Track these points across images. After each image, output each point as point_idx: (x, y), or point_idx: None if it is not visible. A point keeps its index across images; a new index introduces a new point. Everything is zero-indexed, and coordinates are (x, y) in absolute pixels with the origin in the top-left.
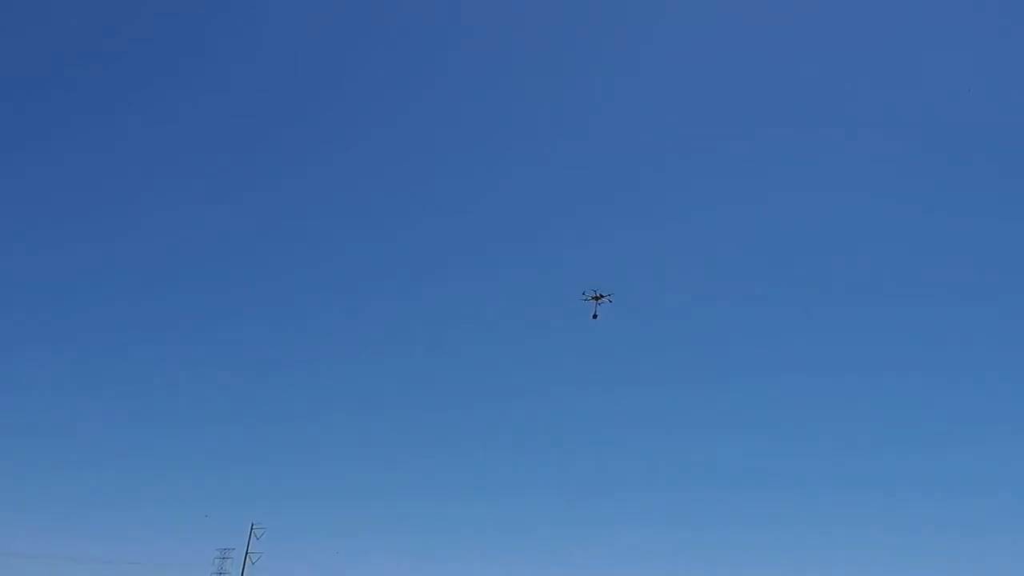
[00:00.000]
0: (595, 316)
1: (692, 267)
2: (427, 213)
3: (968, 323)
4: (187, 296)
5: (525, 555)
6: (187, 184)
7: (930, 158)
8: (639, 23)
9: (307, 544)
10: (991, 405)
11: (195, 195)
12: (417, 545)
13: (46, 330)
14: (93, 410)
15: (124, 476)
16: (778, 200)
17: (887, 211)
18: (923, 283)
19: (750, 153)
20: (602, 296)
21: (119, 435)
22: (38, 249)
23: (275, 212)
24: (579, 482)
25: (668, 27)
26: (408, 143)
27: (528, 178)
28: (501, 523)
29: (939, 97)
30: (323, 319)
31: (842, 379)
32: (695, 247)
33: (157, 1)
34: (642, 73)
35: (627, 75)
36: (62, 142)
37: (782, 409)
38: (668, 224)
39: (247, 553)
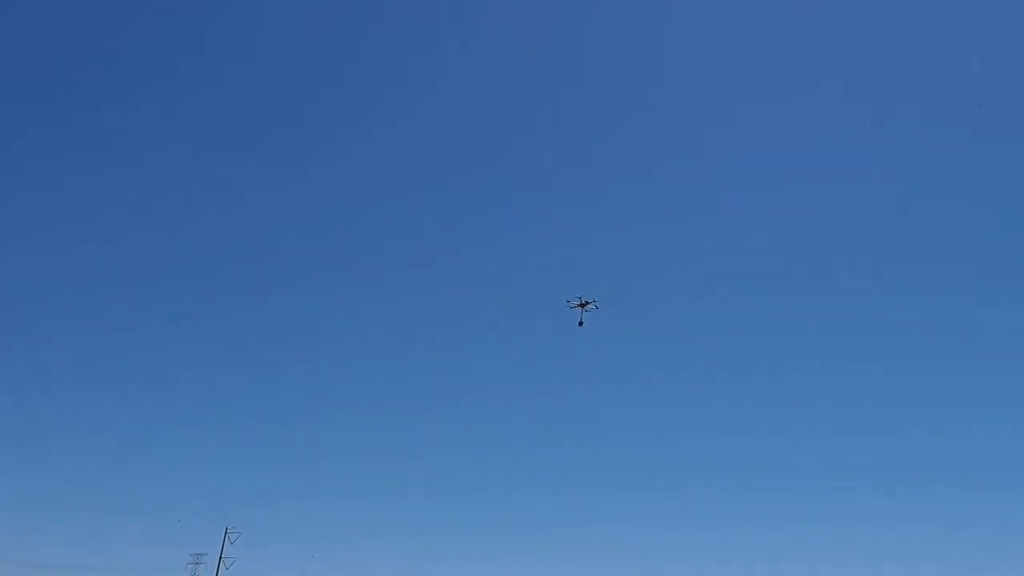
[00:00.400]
0: (581, 323)
1: (687, 266)
2: (421, 211)
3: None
4: (164, 297)
5: (520, 558)
6: (183, 183)
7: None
8: (630, 21)
9: (283, 548)
10: (995, 400)
11: (191, 195)
12: (400, 548)
13: (10, 332)
14: (59, 411)
15: (92, 478)
16: (777, 198)
17: (878, 204)
18: (923, 280)
19: (742, 150)
20: (588, 303)
21: (86, 436)
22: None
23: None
24: (573, 481)
25: (654, 26)
26: (405, 143)
27: (518, 176)
28: (491, 525)
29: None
30: (308, 319)
31: (841, 375)
32: (688, 246)
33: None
34: (636, 72)
35: (620, 75)
36: (60, 141)
37: (780, 407)
38: (662, 221)
39: (221, 558)
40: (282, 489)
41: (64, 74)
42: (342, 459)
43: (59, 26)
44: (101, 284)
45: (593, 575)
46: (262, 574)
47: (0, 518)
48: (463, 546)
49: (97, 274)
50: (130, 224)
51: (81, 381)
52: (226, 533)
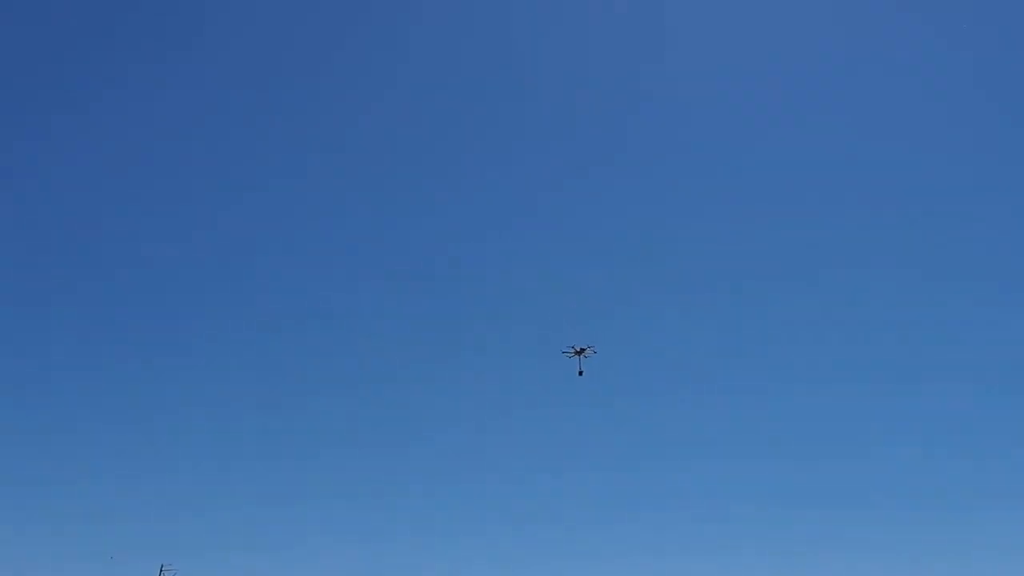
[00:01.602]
0: (581, 373)
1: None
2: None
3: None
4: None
5: None
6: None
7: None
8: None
9: None
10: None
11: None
12: None
13: None
14: None
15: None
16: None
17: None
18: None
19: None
20: (584, 349)
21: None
22: None
23: None
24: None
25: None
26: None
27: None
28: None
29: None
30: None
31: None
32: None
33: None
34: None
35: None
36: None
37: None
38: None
39: None
40: (222, 528)
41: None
42: (291, 501)
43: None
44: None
45: None
46: None
47: None
48: None
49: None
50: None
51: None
52: (161, 571)
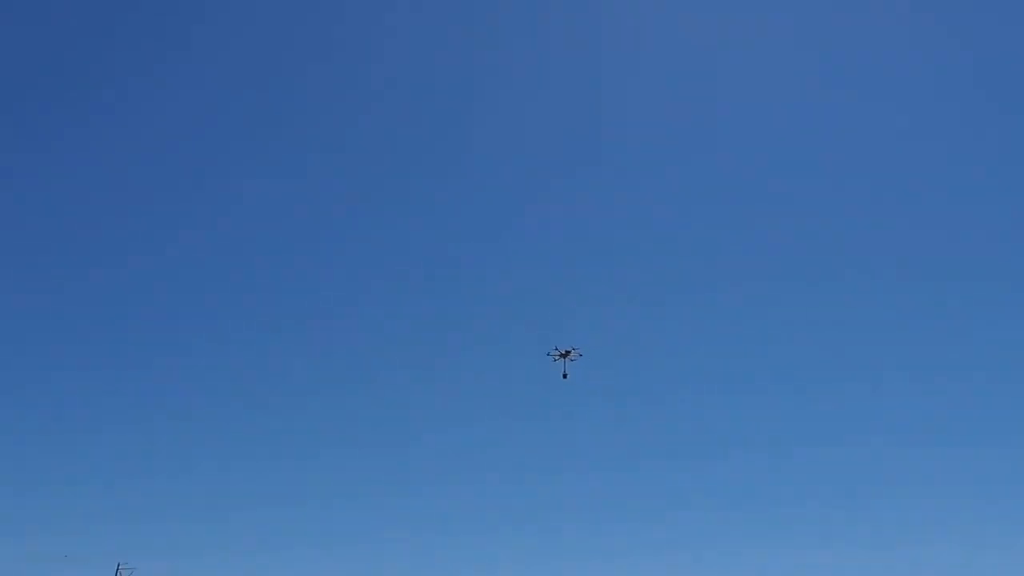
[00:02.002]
0: (565, 376)
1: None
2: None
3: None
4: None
5: None
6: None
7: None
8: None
9: None
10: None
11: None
12: None
13: None
14: None
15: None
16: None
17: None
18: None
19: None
20: (569, 351)
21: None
22: None
23: None
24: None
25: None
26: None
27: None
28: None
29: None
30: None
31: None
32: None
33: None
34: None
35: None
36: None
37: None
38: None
39: None
40: (222, 529)
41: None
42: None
43: None
44: None
45: None
46: None
47: None
48: None
49: None
50: None
51: None
52: (118, 570)
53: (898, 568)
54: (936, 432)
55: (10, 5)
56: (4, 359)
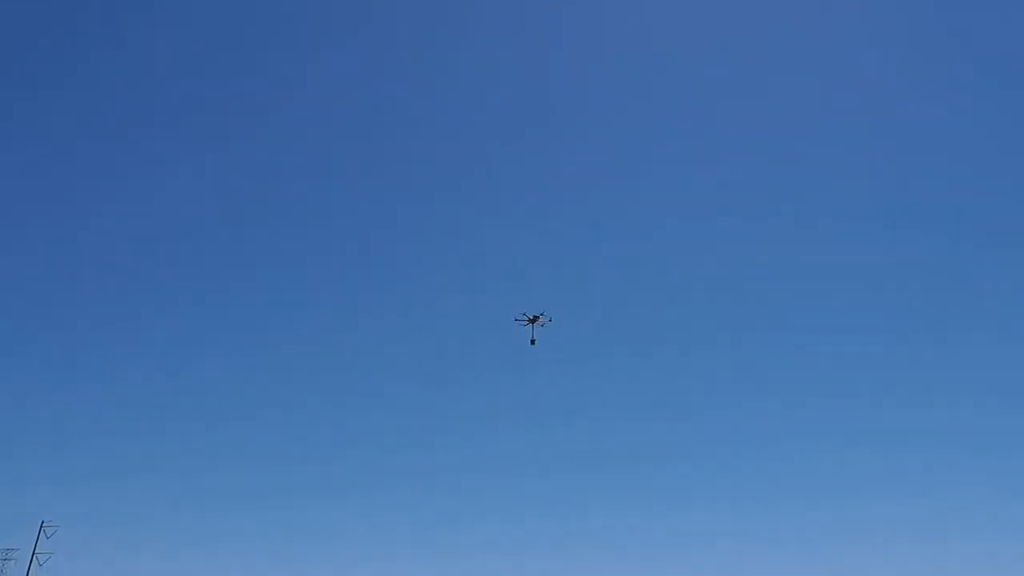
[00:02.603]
0: (533, 341)
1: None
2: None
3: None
4: None
5: None
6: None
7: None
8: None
9: (108, 541)
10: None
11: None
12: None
13: None
14: None
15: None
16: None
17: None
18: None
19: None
20: (538, 317)
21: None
22: None
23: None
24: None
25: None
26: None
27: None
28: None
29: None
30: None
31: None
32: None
33: None
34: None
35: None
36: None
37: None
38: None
39: (34, 553)
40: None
41: None
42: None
43: None
44: None
45: None
46: (81, 569)
47: None
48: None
49: None
50: None
51: None
52: (41, 527)
53: (898, 568)
54: (936, 434)
55: None
56: None
